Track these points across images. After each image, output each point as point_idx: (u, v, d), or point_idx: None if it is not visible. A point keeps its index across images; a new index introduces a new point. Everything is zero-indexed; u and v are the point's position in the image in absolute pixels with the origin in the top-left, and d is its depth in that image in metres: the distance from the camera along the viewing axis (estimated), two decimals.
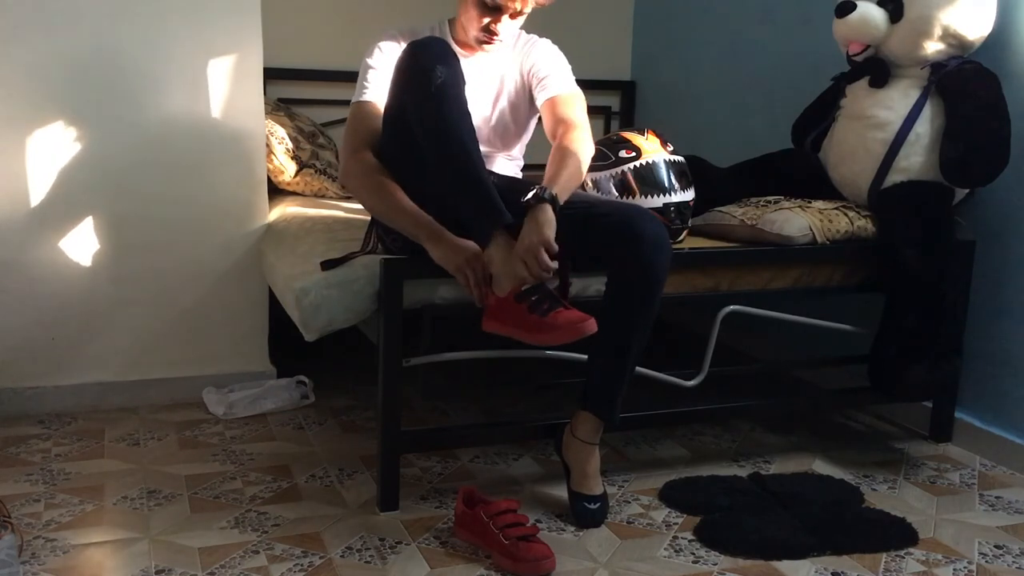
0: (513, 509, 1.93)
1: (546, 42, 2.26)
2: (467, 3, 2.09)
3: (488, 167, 2.21)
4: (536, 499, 2.19)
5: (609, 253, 1.97)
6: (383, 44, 2.16)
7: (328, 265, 2.08)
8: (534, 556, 1.84)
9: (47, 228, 2.59)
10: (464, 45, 2.18)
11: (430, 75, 1.88)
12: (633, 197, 2.24)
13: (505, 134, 2.26)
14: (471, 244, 1.92)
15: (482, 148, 2.10)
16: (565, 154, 2.04)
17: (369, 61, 2.15)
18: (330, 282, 2.05)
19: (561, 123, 2.13)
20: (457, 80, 1.93)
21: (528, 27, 2.20)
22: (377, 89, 2.11)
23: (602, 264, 2.01)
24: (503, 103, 2.23)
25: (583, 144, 2.09)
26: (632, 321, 1.98)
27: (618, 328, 1.99)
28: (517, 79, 2.23)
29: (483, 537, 1.92)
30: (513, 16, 2.09)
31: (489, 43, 2.12)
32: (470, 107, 2.00)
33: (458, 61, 1.96)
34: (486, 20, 2.07)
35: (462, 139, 1.90)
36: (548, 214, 1.88)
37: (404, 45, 2.11)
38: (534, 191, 1.90)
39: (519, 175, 2.35)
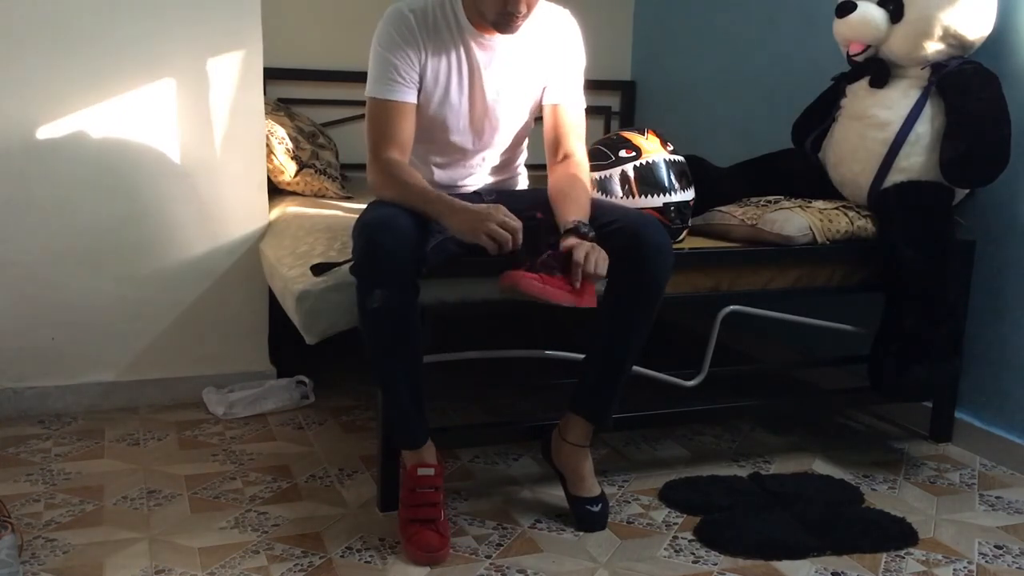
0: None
1: (580, 37, 2.17)
2: None
3: (501, 161, 2.21)
4: (536, 499, 2.19)
5: (614, 260, 1.94)
6: (395, 30, 1.99)
7: (319, 270, 2.07)
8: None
9: (47, 228, 2.59)
10: (480, 25, 2.00)
11: (366, 298, 1.83)
12: (632, 198, 2.24)
13: (515, 119, 2.16)
14: (483, 206, 1.89)
15: (491, 139, 2.14)
16: (581, 196, 2.02)
17: (385, 52, 1.99)
18: (330, 286, 2.05)
19: (567, 157, 2.10)
20: (400, 302, 1.84)
21: None
22: (399, 86, 1.99)
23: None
24: (524, 83, 2.11)
25: (588, 182, 2.09)
26: (631, 327, 1.98)
27: (617, 333, 1.99)
28: (547, 58, 2.11)
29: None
30: None
31: (509, 26, 1.94)
32: (489, 89, 2.03)
33: (413, 273, 1.85)
34: (507, 2, 1.89)
35: (399, 365, 1.91)
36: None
37: (416, 33, 1.99)
38: (576, 225, 1.90)
39: (523, 175, 2.34)
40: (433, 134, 2.11)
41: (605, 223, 1.97)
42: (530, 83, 2.13)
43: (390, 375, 1.91)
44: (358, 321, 1.91)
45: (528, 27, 2.01)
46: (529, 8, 1.93)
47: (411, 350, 1.90)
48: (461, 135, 2.11)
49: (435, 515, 1.93)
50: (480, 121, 2.11)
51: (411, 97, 2.02)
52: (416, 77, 2.02)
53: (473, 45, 2.04)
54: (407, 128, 2.03)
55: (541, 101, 2.16)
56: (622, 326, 1.99)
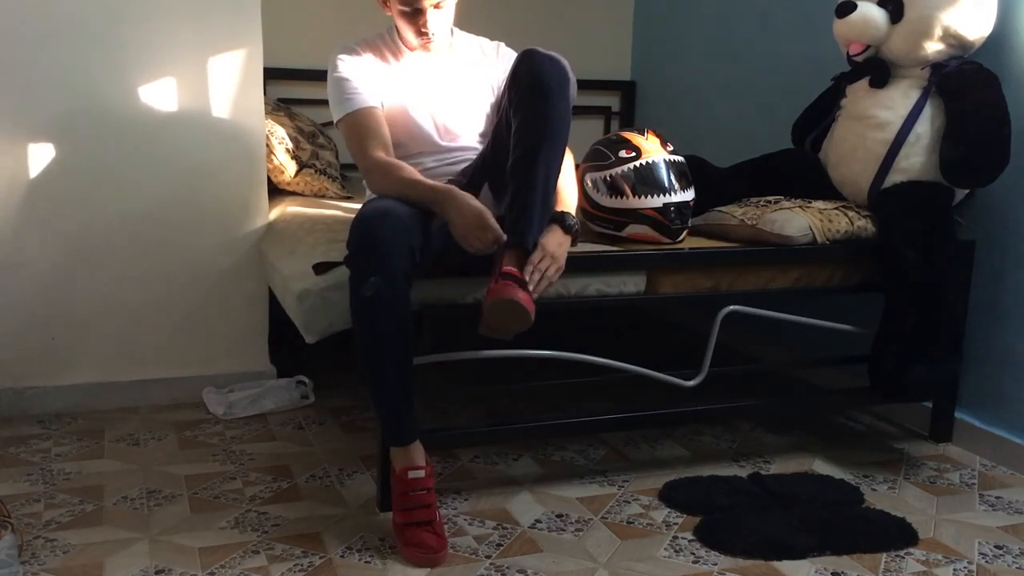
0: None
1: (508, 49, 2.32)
2: (393, 13, 2.14)
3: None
4: (536, 499, 2.19)
5: (514, 93, 1.99)
6: (343, 56, 2.16)
7: (321, 268, 2.08)
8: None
9: (47, 228, 2.59)
10: (412, 46, 2.20)
11: (360, 287, 1.85)
12: (629, 198, 2.24)
13: (477, 123, 2.26)
14: (477, 208, 1.90)
15: (456, 141, 2.22)
16: (568, 186, 2.13)
17: (339, 75, 2.14)
18: (330, 284, 2.05)
19: None
20: (393, 291, 1.85)
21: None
22: (365, 94, 2.13)
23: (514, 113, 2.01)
24: (481, 98, 2.25)
25: (571, 163, 2.16)
26: (535, 131, 1.94)
27: (524, 147, 1.95)
28: (496, 84, 2.26)
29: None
30: (436, 8, 2.11)
31: (427, 42, 2.15)
32: (453, 100, 2.11)
33: (406, 262, 1.86)
34: (414, 22, 2.11)
35: (389, 357, 1.90)
36: (567, 241, 2.01)
37: (363, 56, 2.17)
38: (561, 215, 2.01)
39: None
40: (404, 142, 2.19)
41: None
42: (476, 90, 2.24)
43: (380, 367, 1.90)
44: (350, 312, 1.90)
45: (479, 53, 2.27)
46: (438, 26, 2.12)
47: (402, 341, 1.90)
48: (427, 142, 2.21)
49: (431, 516, 1.93)
50: (441, 125, 2.21)
51: (373, 101, 2.14)
52: (372, 85, 2.14)
53: (415, 62, 2.21)
54: (382, 127, 2.13)
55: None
56: (527, 135, 1.96)
